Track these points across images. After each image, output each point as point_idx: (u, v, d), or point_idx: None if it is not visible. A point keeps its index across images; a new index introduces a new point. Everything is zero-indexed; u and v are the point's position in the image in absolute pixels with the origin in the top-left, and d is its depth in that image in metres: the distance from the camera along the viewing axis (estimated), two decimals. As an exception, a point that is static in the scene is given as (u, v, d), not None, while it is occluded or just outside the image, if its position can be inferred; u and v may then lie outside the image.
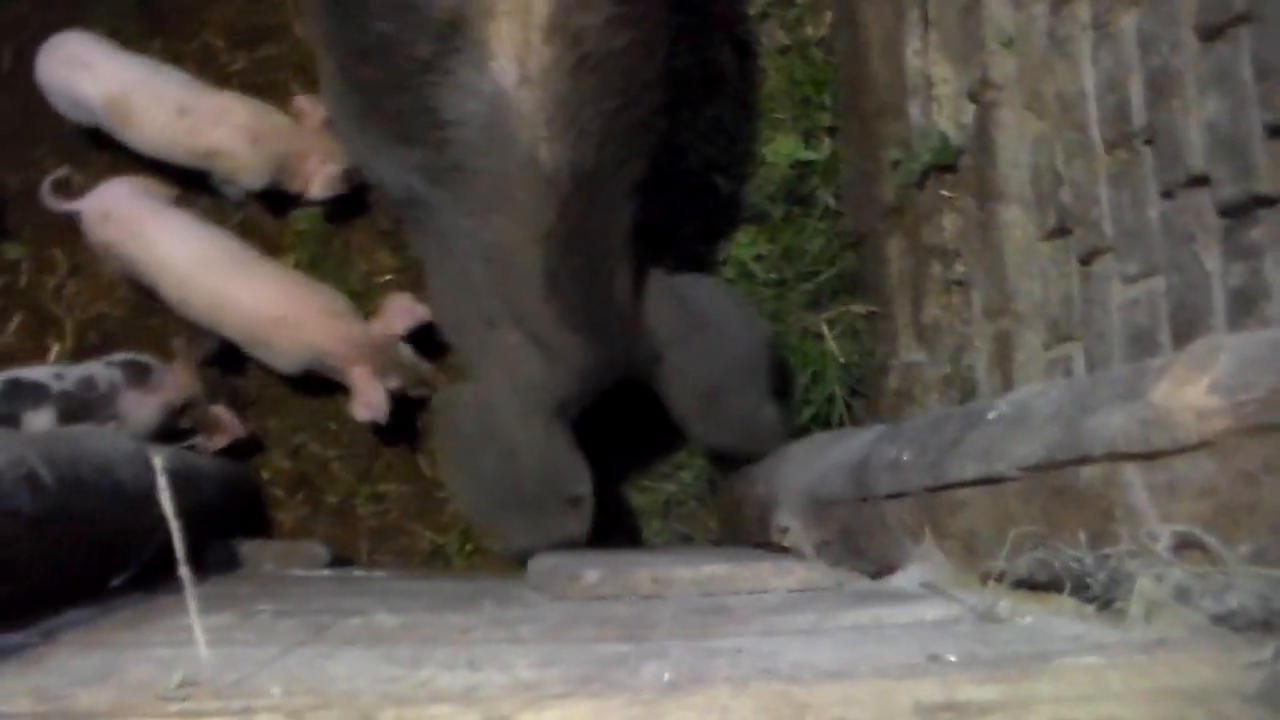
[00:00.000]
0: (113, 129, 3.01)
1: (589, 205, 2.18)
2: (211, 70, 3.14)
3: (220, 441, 2.93)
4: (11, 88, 3.15)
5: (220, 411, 2.95)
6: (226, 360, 3.01)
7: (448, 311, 2.51)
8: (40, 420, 2.80)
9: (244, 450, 3.02)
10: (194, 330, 2.96)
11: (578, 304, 2.26)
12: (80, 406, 2.82)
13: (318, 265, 3.09)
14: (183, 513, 1.16)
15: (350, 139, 2.49)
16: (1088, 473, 1.25)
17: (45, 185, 3.00)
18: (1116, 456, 1.21)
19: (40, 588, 1.69)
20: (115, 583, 1.97)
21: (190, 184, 3.07)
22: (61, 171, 3.05)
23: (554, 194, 2.14)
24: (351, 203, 3.10)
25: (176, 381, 2.90)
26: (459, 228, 2.25)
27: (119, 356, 2.93)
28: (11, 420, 2.76)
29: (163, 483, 1.17)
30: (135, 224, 2.89)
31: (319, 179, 3.00)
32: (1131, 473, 1.19)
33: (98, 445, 1.97)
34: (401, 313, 2.86)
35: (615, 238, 2.26)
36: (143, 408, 2.86)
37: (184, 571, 1.16)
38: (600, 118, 2.14)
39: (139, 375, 2.89)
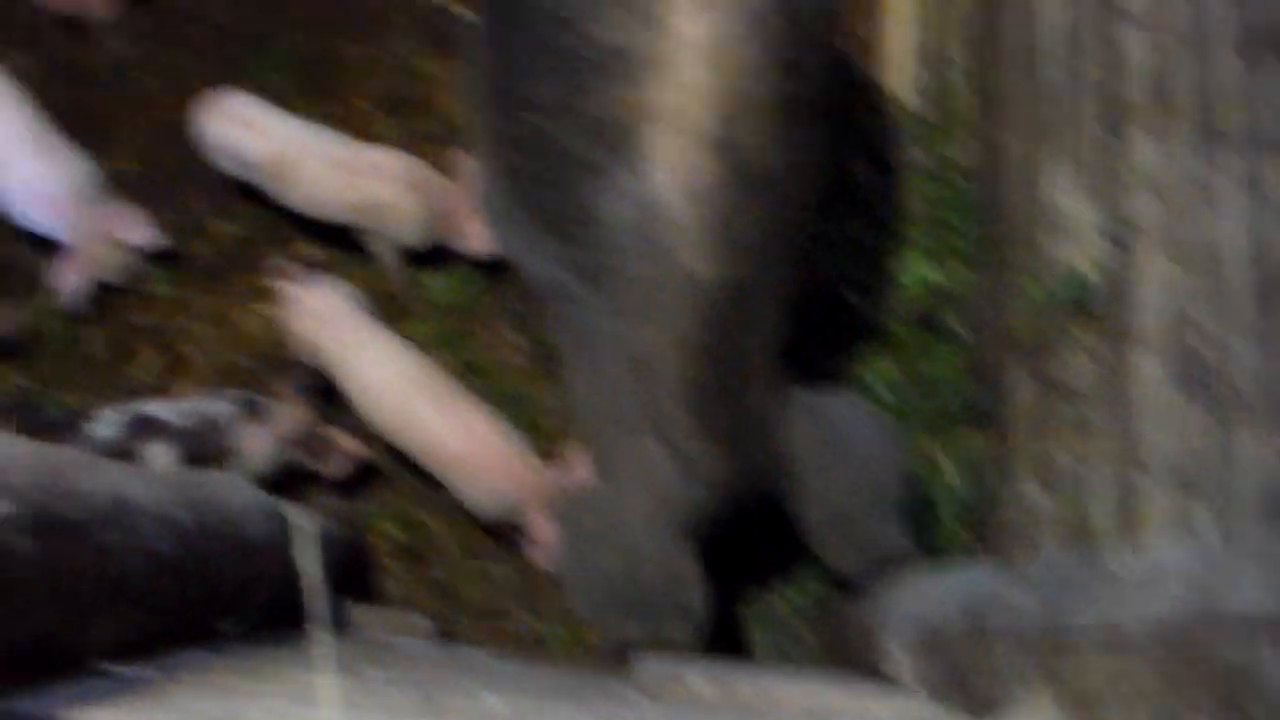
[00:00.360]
0: (272, 186, 3.11)
1: (738, 319, 2.21)
2: (362, 137, 3.21)
3: (341, 467, 2.97)
4: (174, 135, 3.29)
5: (338, 435, 2.98)
6: (333, 394, 3.06)
7: (584, 409, 2.52)
8: (161, 455, 2.88)
9: (361, 480, 3.04)
10: (289, 365, 3.03)
11: (720, 417, 2.27)
12: (199, 442, 2.89)
13: (448, 338, 3.15)
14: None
15: (501, 223, 2.53)
16: (1221, 643, 1.23)
17: (273, 264, 3.08)
18: (1254, 627, 1.19)
19: (162, 627, 1.74)
20: (224, 628, 2.03)
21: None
22: (285, 262, 3.12)
23: (704, 306, 2.17)
24: (484, 279, 3.16)
25: (290, 414, 2.96)
26: (604, 329, 2.28)
27: (232, 393, 3.01)
28: (131, 454, 2.84)
29: (306, 548, 1.21)
30: (344, 332, 2.94)
31: (474, 234, 3.05)
32: (1267, 646, 1.17)
33: (232, 496, 2.03)
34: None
35: (761, 353, 2.28)
36: (260, 442, 2.93)
37: (321, 637, 1.19)
38: (754, 235, 2.17)
39: (254, 410, 2.96)
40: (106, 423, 2.90)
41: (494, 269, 3.14)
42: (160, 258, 3.22)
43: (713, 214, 2.12)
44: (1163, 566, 1.42)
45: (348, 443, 2.98)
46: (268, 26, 3.41)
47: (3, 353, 3.14)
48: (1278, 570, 1.18)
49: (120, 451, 2.82)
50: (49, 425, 2.94)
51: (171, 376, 3.17)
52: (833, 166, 2.42)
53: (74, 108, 3.27)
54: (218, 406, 2.95)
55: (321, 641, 1.20)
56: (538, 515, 2.84)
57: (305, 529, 1.23)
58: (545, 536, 2.82)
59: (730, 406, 2.27)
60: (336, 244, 3.18)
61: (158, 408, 2.95)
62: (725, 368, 2.24)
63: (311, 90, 3.33)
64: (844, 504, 2.46)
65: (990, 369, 3.02)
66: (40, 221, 3.10)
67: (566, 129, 2.15)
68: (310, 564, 1.21)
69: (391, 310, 3.15)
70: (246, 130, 3.12)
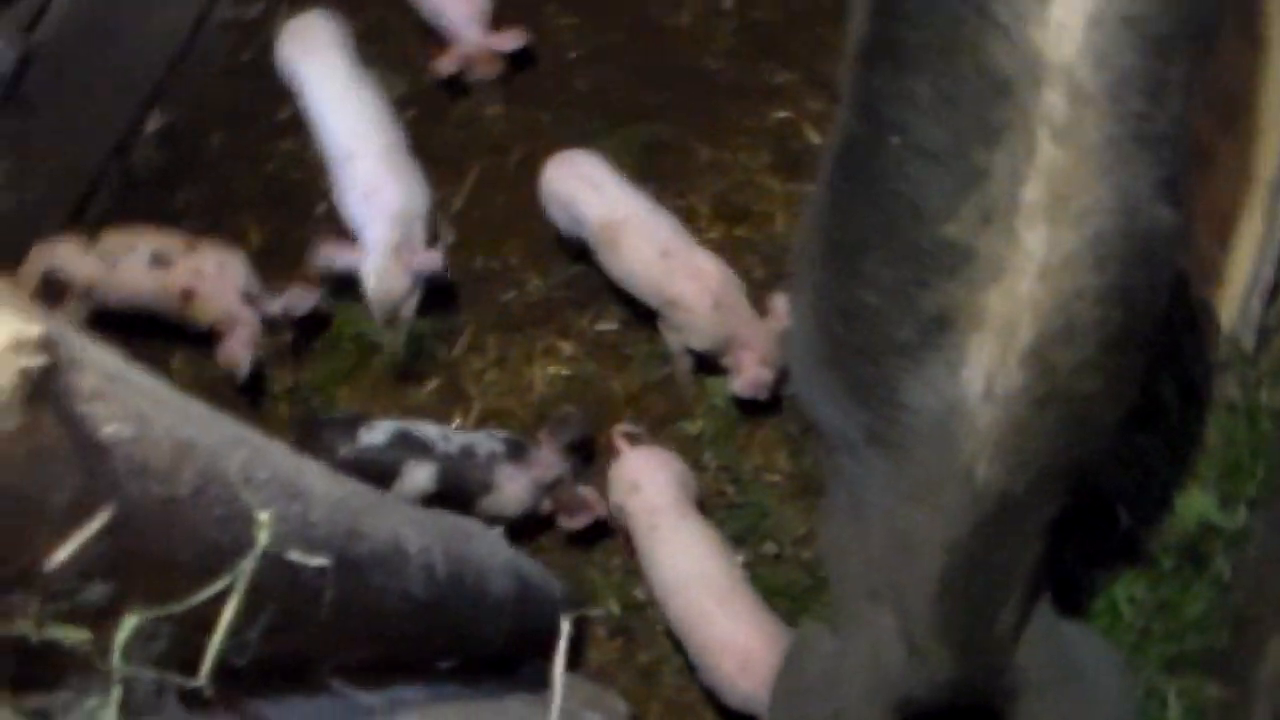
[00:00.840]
0: (598, 249, 3.24)
1: (1005, 531, 2.21)
2: (691, 235, 3.33)
3: (581, 521, 3.06)
4: (508, 184, 3.49)
5: (587, 492, 3.08)
6: (587, 448, 3.17)
7: (836, 563, 2.55)
8: (421, 476, 3.04)
9: (595, 533, 3.13)
10: (559, 416, 3.13)
11: (963, 621, 2.26)
12: (459, 471, 3.04)
13: (716, 442, 3.22)
14: (525, 626, 1.25)
15: (805, 370, 2.58)
16: None
17: (619, 432, 3.15)
18: None
19: (402, 663, 1.86)
20: (443, 665, 2.14)
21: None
22: (635, 429, 3.20)
23: (977, 511, 2.17)
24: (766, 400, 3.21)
25: (549, 460, 3.07)
26: (877, 499, 2.31)
27: (501, 434, 3.14)
28: (393, 469, 3.00)
29: (562, 648, 1.28)
30: (654, 514, 2.97)
31: (748, 376, 3.12)
32: None
33: (482, 550, 2.14)
34: None
35: (1019, 568, 2.27)
36: (516, 482, 3.05)
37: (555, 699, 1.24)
38: (1047, 454, 2.17)
39: (517, 451, 3.08)
40: (380, 430, 3.08)
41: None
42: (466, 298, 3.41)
43: (1010, 425, 2.12)
44: None
45: (594, 500, 3.08)
46: (629, 107, 3.59)
47: (301, 327, 3.33)
48: None
49: (383, 461, 3.00)
50: (329, 423, 3.14)
51: (449, 409, 3.35)
52: (1140, 389, 2.38)
53: (427, 140, 3.53)
54: (484, 442, 3.10)
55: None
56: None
57: (566, 629, 1.30)
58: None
59: (977, 614, 2.26)
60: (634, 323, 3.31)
61: (428, 430, 3.11)
62: (981, 576, 2.24)
63: (654, 177, 3.45)
64: None
65: (1246, 622, 2.89)
66: (367, 227, 3.31)
67: (896, 314, 2.19)
68: (559, 664, 1.28)
69: (671, 401, 3.26)
70: (592, 190, 3.25)
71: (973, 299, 2.10)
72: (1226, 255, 3.18)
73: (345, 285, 3.32)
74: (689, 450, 3.22)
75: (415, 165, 3.42)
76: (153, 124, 3.68)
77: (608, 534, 3.14)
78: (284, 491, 1.34)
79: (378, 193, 3.31)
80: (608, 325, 3.38)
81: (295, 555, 1.20)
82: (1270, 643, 2.73)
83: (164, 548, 1.14)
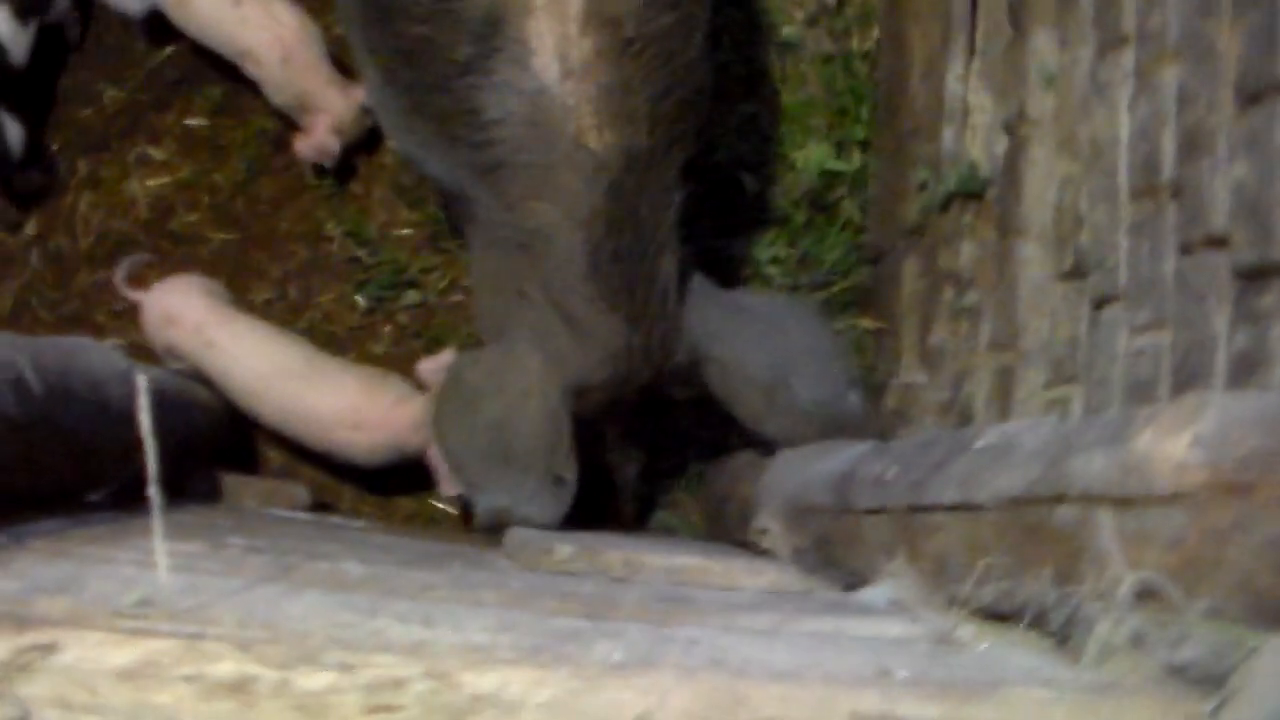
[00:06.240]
0: (171, 11, 2.98)
1: (638, 186, 2.19)
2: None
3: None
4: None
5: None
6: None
7: (483, 297, 2.49)
8: None
9: None
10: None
11: (617, 284, 2.25)
12: None
13: (337, 214, 3.09)
14: (169, 437, 1.17)
15: (399, 137, 2.51)
16: (1062, 512, 1.25)
17: (120, 269, 2.95)
18: (1092, 499, 1.21)
19: (17, 492, 1.70)
20: (93, 498, 1.99)
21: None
22: (140, 257, 3.02)
23: (602, 178, 2.15)
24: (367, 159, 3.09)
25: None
26: (501, 220, 2.26)
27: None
28: None
29: (143, 401, 1.17)
30: (202, 331, 2.82)
31: (313, 140, 2.98)
32: (1104, 516, 1.19)
33: (89, 360, 1.97)
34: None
35: (661, 221, 2.26)
36: None
37: (153, 492, 1.16)
38: (647, 101, 2.15)
39: None
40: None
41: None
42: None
43: (600, 89, 2.10)
44: (1018, 441, 1.43)
45: None
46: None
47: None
48: (1118, 440, 1.19)
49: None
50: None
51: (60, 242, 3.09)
52: (724, 41, 2.39)
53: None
54: None
55: (154, 501, 1.17)
56: (430, 450, 2.78)
57: (139, 382, 1.19)
58: (439, 465, 2.76)
59: (630, 274, 2.25)
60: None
61: None
62: (626, 235, 2.22)
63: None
64: (772, 371, 2.41)
65: (881, 254, 3.04)
66: None
67: (447, 34, 2.11)
68: (144, 419, 1.17)
69: (279, 182, 3.09)
70: None
71: None
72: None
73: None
74: (310, 222, 3.09)
75: None
76: None
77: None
78: None
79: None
80: (197, 120, 3.15)
81: None
82: (904, 267, 2.88)
83: None
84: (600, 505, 2.74)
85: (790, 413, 2.43)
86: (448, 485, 2.77)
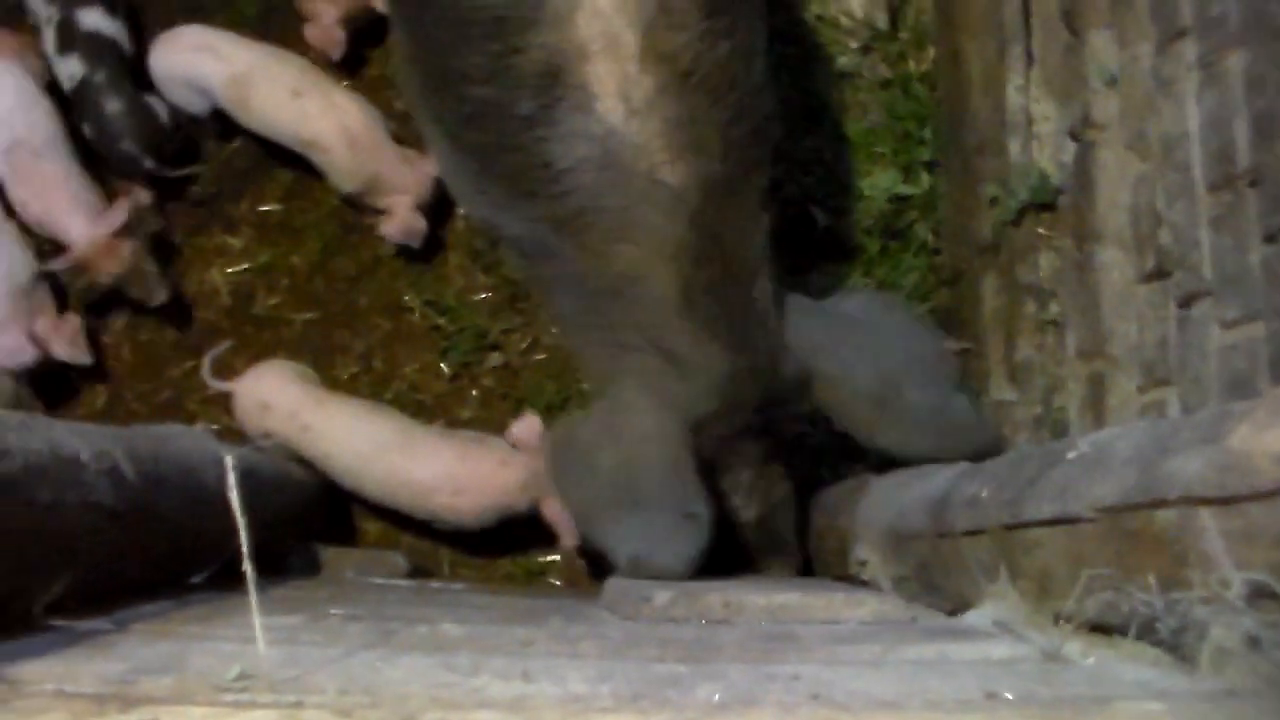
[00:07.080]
0: (233, 111, 3.04)
1: (719, 216, 2.18)
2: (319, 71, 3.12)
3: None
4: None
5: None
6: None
7: (583, 353, 2.47)
8: None
9: None
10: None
11: (714, 315, 2.23)
12: None
13: (415, 284, 3.13)
14: (263, 514, 1.19)
15: (471, 201, 2.51)
16: (1162, 516, 1.22)
17: (206, 361, 2.99)
18: (1192, 500, 1.18)
19: (119, 579, 1.73)
20: (194, 580, 2.01)
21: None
22: (222, 347, 3.05)
23: (683, 210, 2.15)
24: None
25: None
26: (586, 269, 2.25)
27: None
28: None
29: (231, 480, 1.19)
30: (296, 417, 2.84)
31: (398, 222, 3.00)
32: (1206, 518, 1.15)
33: (181, 445, 2.01)
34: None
35: (750, 246, 2.25)
36: None
37: (247, 567, 1.18)
38: (716, 130, 2.15)
39: None
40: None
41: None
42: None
43: (668, 124, 2.10)
44: (1112, 448, 1.40)
45: None
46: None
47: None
48: (1213, 439, 1.16)
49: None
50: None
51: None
52: (782, 77, 2.39)
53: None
54: None
55: (249, 576, 1.19)
56: (545, 500, 2.79)
57: (227, 461, 1.20)
58: (555, 512, 2.78)
59: (725, 303, 2.23)
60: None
61: None
62: (715, 266, 2.21)
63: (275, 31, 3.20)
64: (879, 380, 2.37)
65: (958, 274, 3.00)
66: None
67: (508, 92, 2.12)
68: (233, 496, 1.19)
69: (355, 257, 3.15)
70: (207, 55, 3.03)
71: (566, 34, 2.06)
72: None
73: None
74: (390, 295, 3.13)
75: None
76: None
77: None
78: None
79: None
80: (270, 205, 3.22)
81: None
82: (982, 284, 2.84)
83: None
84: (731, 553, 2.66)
85: (902, 422, 2.37)
86: (569, 537, 2.77)
